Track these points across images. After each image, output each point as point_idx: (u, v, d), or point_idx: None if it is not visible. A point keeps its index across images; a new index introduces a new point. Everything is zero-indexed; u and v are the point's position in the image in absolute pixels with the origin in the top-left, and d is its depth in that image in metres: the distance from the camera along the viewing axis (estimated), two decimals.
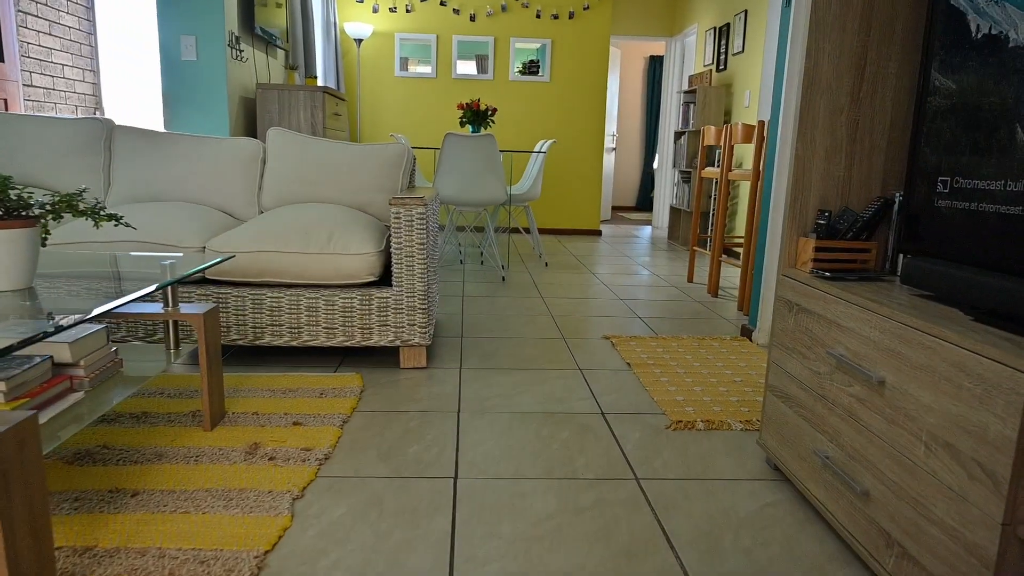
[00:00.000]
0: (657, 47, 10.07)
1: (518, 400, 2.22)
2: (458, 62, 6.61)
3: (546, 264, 4.99)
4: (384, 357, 2.63)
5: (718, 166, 5.74)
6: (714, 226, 4.08)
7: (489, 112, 5.06)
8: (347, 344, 2.42)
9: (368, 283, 2.47)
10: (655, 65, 9.99)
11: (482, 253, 5.38)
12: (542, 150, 4.95)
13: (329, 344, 2.42)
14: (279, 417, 1.97)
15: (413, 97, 6.66)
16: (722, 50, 5.99)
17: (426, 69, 6.62)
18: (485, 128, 5.11)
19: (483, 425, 2.00)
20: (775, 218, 2.86)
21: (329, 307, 2.39)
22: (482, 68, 6.67)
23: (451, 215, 5.00)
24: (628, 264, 5.09)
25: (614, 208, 10.50)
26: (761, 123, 3.48)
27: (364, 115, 6.65)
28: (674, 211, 6.60)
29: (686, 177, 6.20)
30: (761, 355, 2.77)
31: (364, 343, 2.43)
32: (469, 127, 5.41)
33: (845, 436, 1.40)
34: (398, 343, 2.45)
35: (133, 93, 3.97)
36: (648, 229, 7.70)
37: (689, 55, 7.26)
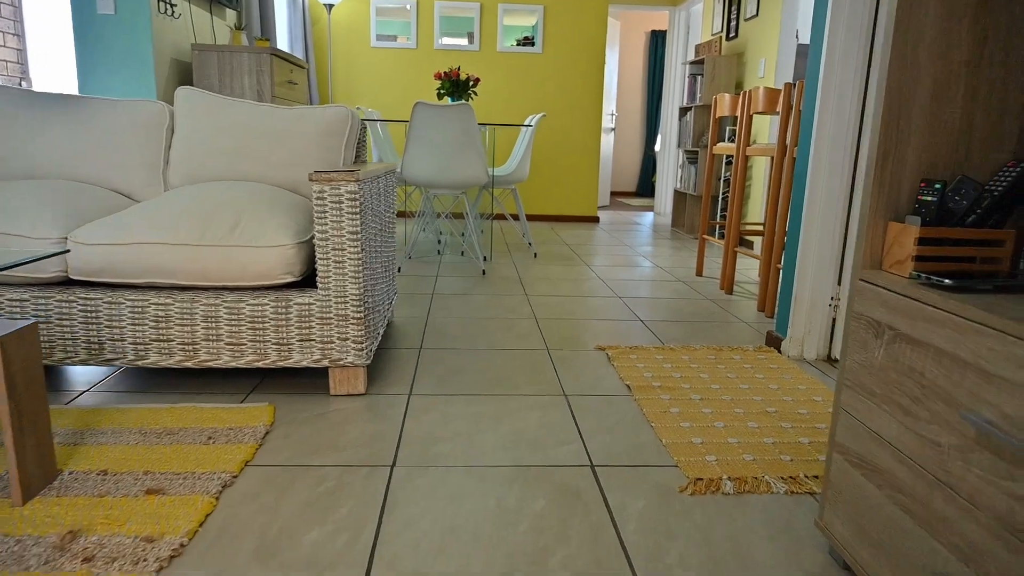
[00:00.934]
0: (659, 19, 9.42)
1: (479, 444, 1.64)
2: (442, 34, 5.99)
3: (535, 255, 4.41)
4: (314, 378, 2.06)
5: (732, 141, 5.14)
6: (728, 211, 3.49)
7: (471, 82, 4.46)
8: (259, 365, 1.85)
9: (286, 285, 1.89)
10: (657, 41, 9.35)
11: (464, 243, 4.79)
12: (530, 124, 4.35)
13: (235, 365, 1.84)
14: (132, 480, 1.39)
15: (391, 69, 6.04)
16: (732, 15, 5.37)
17: (405, 39, 6.00)
18: (466, 101, 4.51)
19: (423, 488, 1.43)
20: (812, 199, 2.27)
21: (233, 317, 1.81)
22: (469, 38, 6.04)
23: (426, 199, 4.41)
24: (628, 255, 4.51)
25: (613, 193, 9.90)
26: (789, 86, 2.88)
27: (337, 89, 6.04)
28: (678, 196, 6.01)
29: (692, 157, 5.61)
30: (796, 373, 2.19)
31: (282, 363, 1.85)
32: (448, 100, 4.80)
33: (994, 559, 0.82)
34: (326, 363, 1.87)
35: (63, 57, 3.37)
36: (650, 216, 7.10)
37: (695, 25, 6.64)
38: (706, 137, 5.38)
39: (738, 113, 3.34)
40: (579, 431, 1.73)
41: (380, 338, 2.29)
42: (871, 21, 2.14)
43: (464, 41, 6.04)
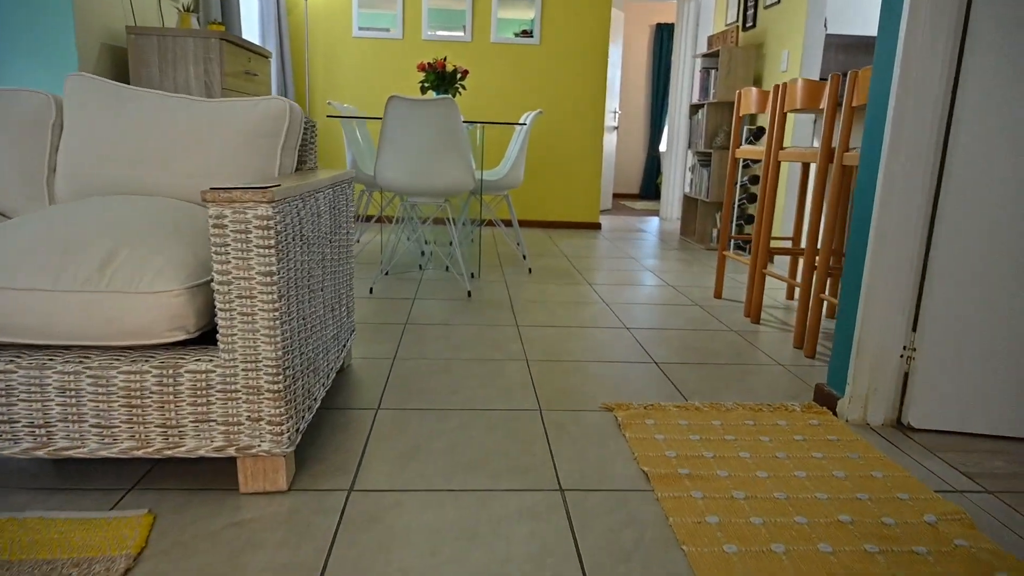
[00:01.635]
0: (665, 11, 8.90)
1: None
2: (430, 27, 5.47)
3: (529, 271, 3.89)
4: (221, 464, 1.55)
5: (753, 143, 4.65)
6: (757, 226, 2.97)
7: (458, 75, 3.95)
8: (139, 454, 1.34)
9: (176, 344, 1.38)
10: (663, 34, 8.83)
11: (450, 254, 4.27)
12: (524, 122, 3.84)
13: (105, 455, 1.33)
14: None
15: (375, 61, 5.52)
16: (750, 2, 4.86)
17: (391, 28, 5.48)
18: (453, 96, 3.99)
19: None
20: (882, 220, 1.76)
21: (100, 389, 1.30)
22: (461, 29, 5.52)
23: (407, 205, 3.90)
24: (634, 269, 4.00)
25: (615, 196, 9.39)
26: (837, 78, 2.37)
27: (315, 83, 5.52)
28: (688, 201, 5.50)
29: (704, 160, 5.09)
30: (865, 449, 1.68)
31: (171, 452, 1.34)
32: (433, 94, 4.28)
33: None
34: (232, 452, 1.36)
35: None
36: (655, 221, 6.59)
37: (706, 16, 6.12)
38: (720, 138, 4.87)
39: (768, 110, 2.83)
40: (581, 562, 1.22)
41: (316, 404, 1.79)
42: None
43: (456, 32, 5.52)
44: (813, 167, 2.88)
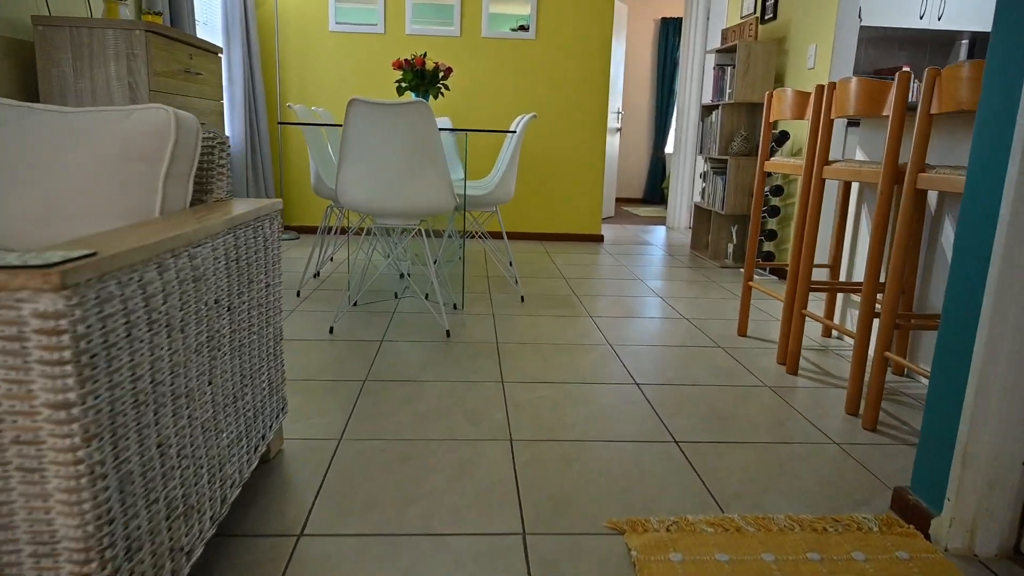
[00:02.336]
0: (672, 4, 8.38)
1: None
2: (414, 21, 4.95)
3: (522, 298, 3.39)
4: None
5: (779, 150, 4.14)
6: (795, 255, 2.47)
7: (440, 73, 3.44)
8: None
9: None
10: (669, 29, 8.31)
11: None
12: (514, 129, 3.33)
13: None
14: None
15: (354, 58, 5.01)
16: None
17: (375, 23, 4.97)
18: (433, 98, 3.48)
19: None
20: (1005, 278, 1.25)
21: None
22: (452, 23, 5.01)
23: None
24: (642, 295, 3.49)
25: (618, 200, 8.88)
26: (906, 76, 1.85)
27: (288, 83, 5.01)
28: (700, 213, 4.98)
29: (719, 167, 4.58)
30: None
31: None
32: (412, 96, 3.77)
33: None
34: None
35: None
36: (661, 231, 6.08)
37: (716, 8, 5.61)
38: (737, 143, 4.36)
39: (810, 116, 2.32)
40: None
41: (191, 558, 1.28)
42: None
43: (444, 26, 5.01)
44: (856, 187, 2.39)
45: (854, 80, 2.04)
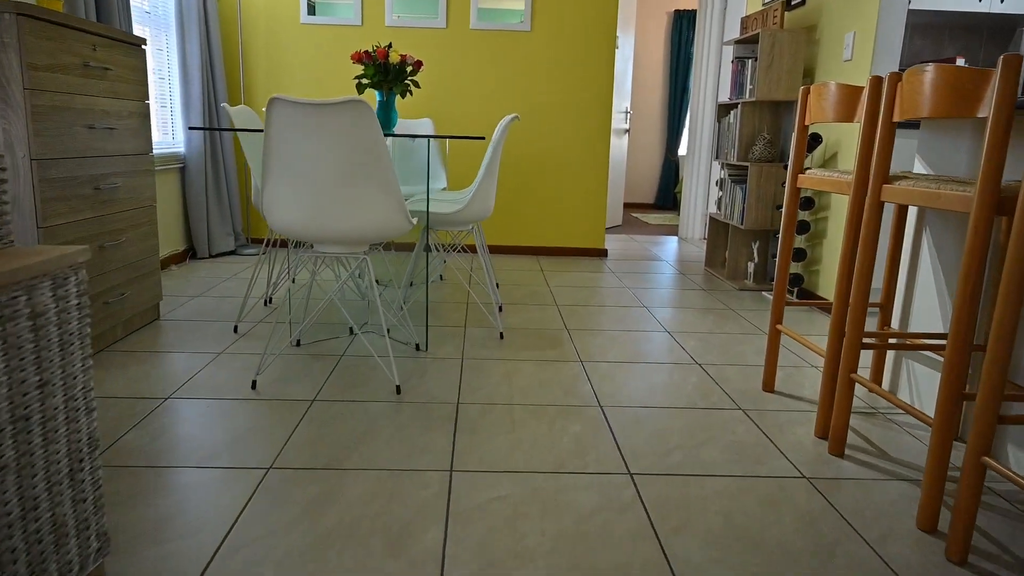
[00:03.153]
0: None
1: None
2: (396, 11, 4.42)
3: (501, 335, 2.84)
4: None
5: (811, 161, 3.57)
6: (838, 299, 1.90)
7: (408, 67, 2.90)
8: None
9: None
10: (682, 23, 7.73)
11: (403, 305, 3.22)
12: (490, 134, 2.77)
13: None
14: None
15: (327, 53, 4.49)
16: None
17: (346, 14, 4.45)
18: (400, 96, 2.95)
19: None
20: None
21: None
22: (435, 14, 4.47)
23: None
24: (647, 329, 2.93)
25: (627, 206, 8.31)
26: (1018, 61, 1.29)
27: (254, 81, 4.50)
28: (716, 226, 4.41)
29: (738, 175, 4.01)
30: None
31: None
32: (376, 96, 3.24)
33: None
34: None
35: None
36: (673, 243, 5.50)
37: None
38: (759, 147, 3.78)
39: (862, 117, 1.75)
40: None
41: None
42: None
43: (427, 18, 4.47)
44: (914, 211, 1.77)
45: (932, 69, 1.47)
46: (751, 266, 3.96)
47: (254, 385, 2.18)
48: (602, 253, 4.83)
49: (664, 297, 3.61)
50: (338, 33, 4.46)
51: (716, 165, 5.50)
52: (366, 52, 2.83)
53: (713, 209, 5.44)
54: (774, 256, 3.98)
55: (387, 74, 2.87)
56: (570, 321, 3.07)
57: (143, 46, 2.73)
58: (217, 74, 4.20)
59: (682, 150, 8.08)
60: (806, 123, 2.08)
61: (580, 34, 4.51)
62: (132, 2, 3.57)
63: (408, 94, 2.90)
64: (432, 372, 2.36)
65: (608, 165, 4.70)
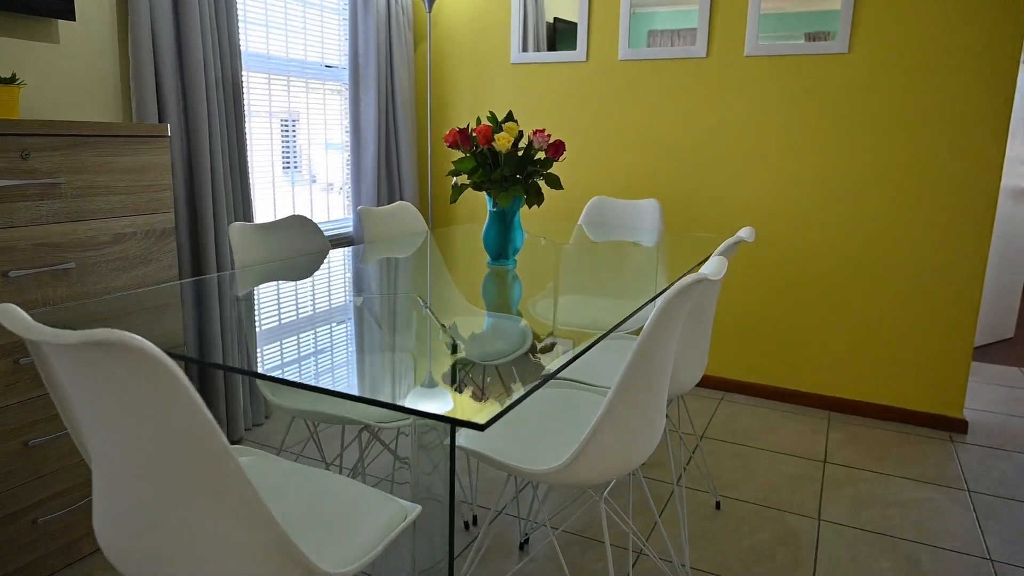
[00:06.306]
0: None
1: None
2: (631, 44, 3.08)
3: None
4: None
5: None
6: None
7: (534, 151, 1.57)
8: None
9: None
10: None
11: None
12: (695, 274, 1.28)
13: None
14: None
15: (543, 96, 3.34)
16: None
17: (569, 47, 3.25)
18: (527, 206, 1.62)
19: None
20: None
21: None
22: (692, 37, 3.01)
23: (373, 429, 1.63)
24: None
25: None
26: None
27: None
28: None
29: None
30: None
31: None
32: (491, 201, 1.93)
33: None
34: None
35: None
36: None
37: None
38: None
39: None
40: None
41: None
42: None
43: (686, 47, 3.03)
44: None
45: None
46: None
47: None
48: (956, 426, 2.77)
49: None
50: (556, 72, 3.27)
51: None
52: (459, 131, 1.57)
53: None
54: None
55: (493, 168, 1.56)
56: None
57: (58, 44, 1.87)
58: (400, 126, 3.35)
59: None
60: None
61: (943, 58, 2.60)
62: (309, 57, 2.86)
63: (538, 202, 1.55)
64: None
65: (986, 260, 2.65)
